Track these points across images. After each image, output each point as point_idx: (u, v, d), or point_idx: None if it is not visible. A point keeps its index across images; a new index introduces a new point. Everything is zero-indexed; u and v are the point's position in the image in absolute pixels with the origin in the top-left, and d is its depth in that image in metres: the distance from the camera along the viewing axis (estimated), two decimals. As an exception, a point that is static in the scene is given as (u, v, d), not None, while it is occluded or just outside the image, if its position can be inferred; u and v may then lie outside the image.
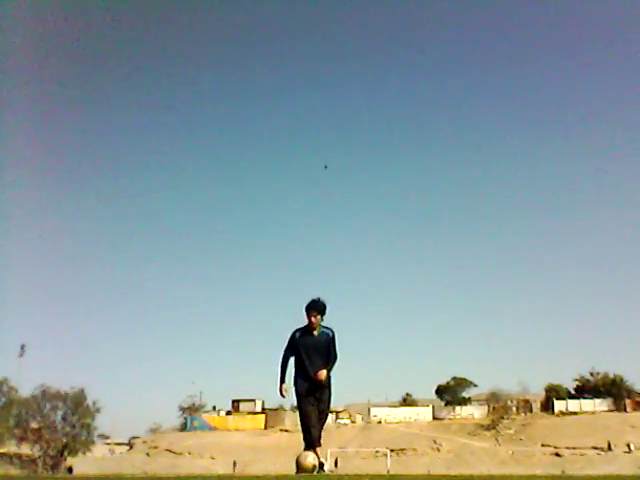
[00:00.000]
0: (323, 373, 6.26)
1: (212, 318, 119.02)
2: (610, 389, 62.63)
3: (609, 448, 50.93)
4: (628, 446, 50.58)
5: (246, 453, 56.60)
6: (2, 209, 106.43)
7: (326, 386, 6.43)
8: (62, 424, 57.38)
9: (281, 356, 6.46)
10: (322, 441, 6.40)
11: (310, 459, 6.02)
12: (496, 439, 55.58)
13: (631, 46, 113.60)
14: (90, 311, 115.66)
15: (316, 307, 6.41)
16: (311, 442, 6.30)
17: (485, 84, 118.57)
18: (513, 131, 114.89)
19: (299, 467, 5.84)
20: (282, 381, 6.35)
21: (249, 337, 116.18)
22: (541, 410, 63.99)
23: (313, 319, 6.37)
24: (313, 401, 6.34)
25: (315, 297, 6.45)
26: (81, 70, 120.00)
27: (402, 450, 56.05)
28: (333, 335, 6.51)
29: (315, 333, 6.45)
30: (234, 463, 52.58)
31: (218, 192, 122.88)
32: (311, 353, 6.38)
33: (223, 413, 71.93)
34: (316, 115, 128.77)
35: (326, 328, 6.50)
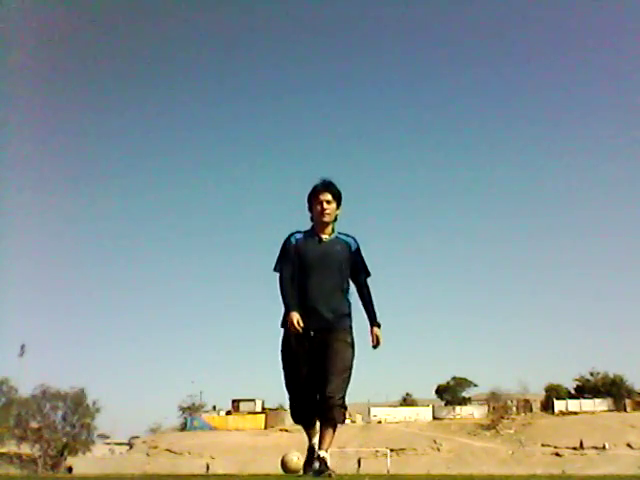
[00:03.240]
0: (378, 334, 4.06)
1: (212, 318, 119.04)
2: (610, 389, 62.55)
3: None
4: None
5: (246, 453, 56.60)
6: (1, 209, 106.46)
7: (346, 340, 4.03)
8: (62, 424, 57.41)
9: (278, 276, 4.03)
10: (339, 416, 3.92)
11: (295, 459, 4.95)
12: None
13: (630, 43, 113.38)
14: (90, 311, 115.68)
15: (328, 187, 3.99)
16: (305, 420, 4.06)
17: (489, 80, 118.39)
18: (515, 128, 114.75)
19: (284, 469, 5.22)
20: (292, 306, 3.88)
21: (249, 337, 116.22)
22: (541, 410, 63.96)
23: (325, 205, 3.94)
24: (311, 353, 3.90)
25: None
26: (76, 67, 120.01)
27: (402, 450, 56.03)
28: (357, 245, 4.10)
29: (325, 237, 4.01)
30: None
31: (219, 190, 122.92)
32: (317, 270, 3.93)
33: (223, 413, 71.94)
34: (316, 114, 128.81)
35: (344, 235, 4.08)
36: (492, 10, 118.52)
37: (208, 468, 52.15)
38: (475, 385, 71.27)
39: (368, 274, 4.17)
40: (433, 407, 67.07)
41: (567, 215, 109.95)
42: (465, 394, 71.09)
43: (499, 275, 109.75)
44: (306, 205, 4.14)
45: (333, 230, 4.11)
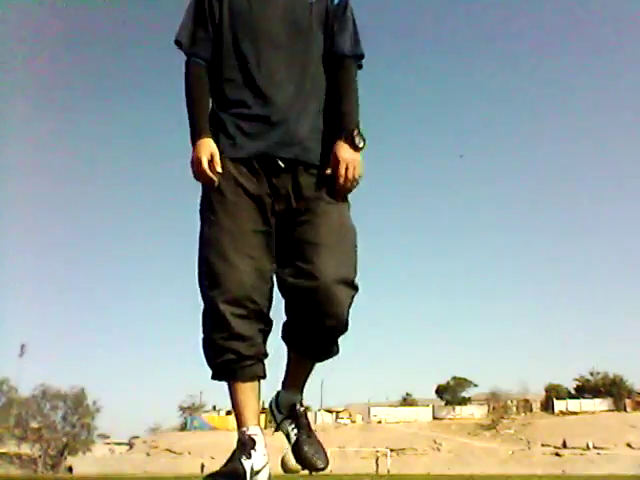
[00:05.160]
0: (343, 154, 1.97)
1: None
2: (610, 389, 62.63)
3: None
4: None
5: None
6: (1, 209, 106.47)
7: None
8: (62, 424, 57.49)
9: (184, 63, 2.09)
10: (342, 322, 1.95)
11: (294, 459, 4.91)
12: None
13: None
14: (90, 311, 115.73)
15: None
16: (236, 366, 1.93)
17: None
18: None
19: (284, 469, 5.28)
20: (199, 130, 1.99)
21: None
22: (541, 410, 64.10)
23: None
24: (262, 225, 1.97)
25: None
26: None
27: (402, 450, 56.09)
28: None
29: None
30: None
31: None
32: (275, 44, 2.04)
33: (223, 413, 71.98)
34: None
35: None
36: None
37: (203, 468, 52.17)
38: (475, 385, 71.44)
39: (357, 54, 2.14)
40: (433, 407, 67.17)
41: (567, 214, 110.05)
42: (465, 394, 71.20)
43: (499, 275, 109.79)
44: None
45: None
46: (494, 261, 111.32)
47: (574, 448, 51.13)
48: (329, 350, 2.04)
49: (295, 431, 2.07)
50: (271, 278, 1.99)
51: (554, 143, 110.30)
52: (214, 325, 1.92)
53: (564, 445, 51.72)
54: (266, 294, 1.97)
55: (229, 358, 1.92)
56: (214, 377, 1.99)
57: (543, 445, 54.15)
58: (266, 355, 2.01)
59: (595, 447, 51.13)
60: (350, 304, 1.97)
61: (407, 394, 75.36)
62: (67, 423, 57.59)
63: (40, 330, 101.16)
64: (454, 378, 71.25)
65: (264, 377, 2.01)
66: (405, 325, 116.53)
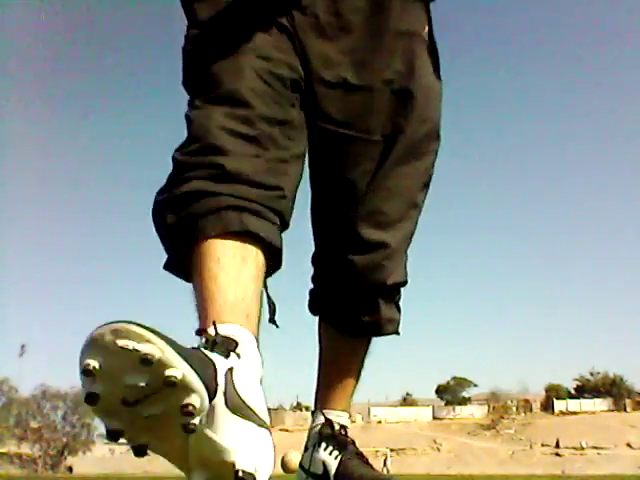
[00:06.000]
0: None
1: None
2: (610, 389, 62.72)
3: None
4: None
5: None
6: (1, 208, 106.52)
7: None
8: (62, 424, 57.51)
9: None
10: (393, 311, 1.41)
11: (295, 459, 4.55)
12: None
13: None
14: (90, 311, 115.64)
15: None
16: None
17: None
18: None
19: (284, 469, 5.24)
20: None
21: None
22: (541, 410, 64.15)
23: None
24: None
25: None
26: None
27: (402, 450, 56.09)
28: None
29: None
30: None
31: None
32: None
33: (223, 413, 72.09)
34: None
35: None
36: None
37: None
38: (475, 385, 71.53)
39: None
40: (433, 407, 67.19)
41: (567, 214, 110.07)
42: (465, 394, 71.28)
43: (499, 274, 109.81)
44: None
45: None
46: (494, 261, 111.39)
47: (573, 448, 51.21)
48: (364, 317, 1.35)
49: (336, 453, 1.33)
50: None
51: (544, 146, 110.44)
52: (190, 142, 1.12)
53: (557, 445, 51.82)
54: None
55: (199, 186, 1.04)
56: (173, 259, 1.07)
57: (543, 445, 54.18)
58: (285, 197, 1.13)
59: (590, 447, 51.20)
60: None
61: (407, 394, 75.41)
62: (67, 423, 57.60)
63: (40, 330, 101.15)
64: (454, 378, 71.30)
65: (278, 248, 1.10)
66: (405, 325, 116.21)
